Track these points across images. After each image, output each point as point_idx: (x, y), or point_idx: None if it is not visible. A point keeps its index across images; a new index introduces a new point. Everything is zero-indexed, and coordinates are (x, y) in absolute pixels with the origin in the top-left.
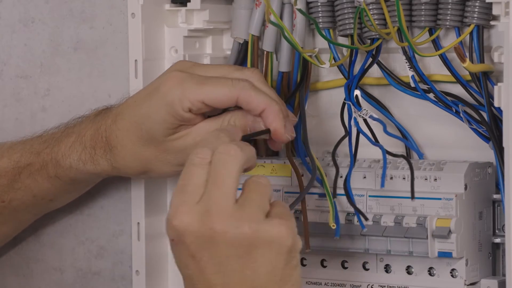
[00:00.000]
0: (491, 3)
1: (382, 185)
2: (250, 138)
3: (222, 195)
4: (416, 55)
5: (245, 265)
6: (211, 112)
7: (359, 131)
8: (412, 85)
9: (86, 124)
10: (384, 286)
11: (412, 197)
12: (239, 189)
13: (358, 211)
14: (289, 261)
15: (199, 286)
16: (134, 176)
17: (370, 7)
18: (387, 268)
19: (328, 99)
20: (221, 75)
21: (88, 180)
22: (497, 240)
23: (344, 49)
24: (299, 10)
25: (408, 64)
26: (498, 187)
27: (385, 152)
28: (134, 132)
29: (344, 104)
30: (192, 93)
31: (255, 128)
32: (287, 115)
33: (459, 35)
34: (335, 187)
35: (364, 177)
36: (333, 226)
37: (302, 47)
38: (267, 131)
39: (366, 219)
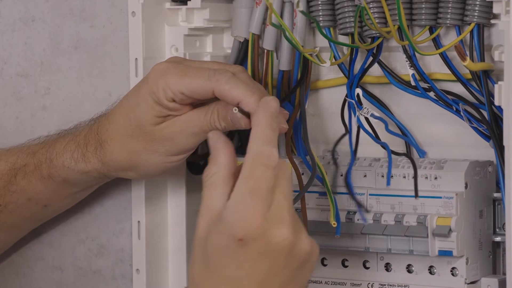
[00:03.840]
0: (491, 2)
1: (388, 183)
2: None
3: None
4: (416, 54)
5: (294, 277)
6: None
7: (362, 129)
8: (413, 83)
9: (82, 126)
10: (385, 285)
11: (416, 195)
12: None
13: (358, 203)
14: None
15: None
16: (123, 173)
17: (371, 6)
18: (387, 267)
19: (329, 98)
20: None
21: (80, 181)
22: (498, 239)
23: (345, 48)
24: (302, 11)
25: (408, 62)
26: (499, 186)
27: (390, 150)
28: (123, 123)
29: (344, 102)
30: (173, 84)
31: (236, 117)
32: None
33: (460, 34)
34: (334, 184)
35: (365, 176)
36: (334, 224)
37: (302, 46)
38: None
39: (367, 211)
